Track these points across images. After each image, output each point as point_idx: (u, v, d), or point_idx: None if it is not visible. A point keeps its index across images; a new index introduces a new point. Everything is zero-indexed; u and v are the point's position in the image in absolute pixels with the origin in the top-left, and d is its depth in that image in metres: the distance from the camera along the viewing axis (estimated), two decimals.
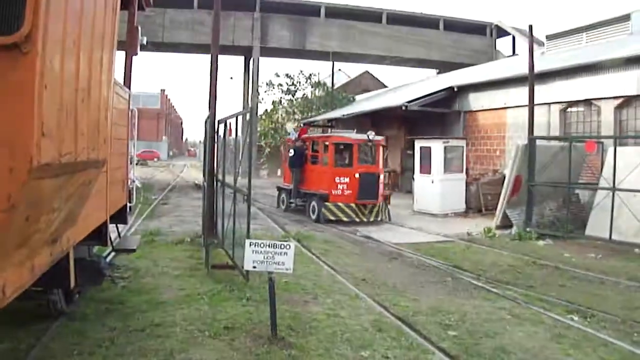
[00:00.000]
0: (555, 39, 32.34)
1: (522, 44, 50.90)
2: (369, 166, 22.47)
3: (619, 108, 21.33)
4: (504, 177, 21.68)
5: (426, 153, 25.42)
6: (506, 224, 19.99)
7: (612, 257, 15.42)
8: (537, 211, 19.77)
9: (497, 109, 27.42)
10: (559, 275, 13.35)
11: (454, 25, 55.74)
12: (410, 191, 28.69)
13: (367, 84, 64.63)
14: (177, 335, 7.80)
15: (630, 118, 20.99)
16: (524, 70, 22.96)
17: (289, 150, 25.35)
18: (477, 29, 56.78)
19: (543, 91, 23.32)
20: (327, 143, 22.85)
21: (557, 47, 31.61)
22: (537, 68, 22.50)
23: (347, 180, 21.74)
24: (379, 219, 22.49)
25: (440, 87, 32.22)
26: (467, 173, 25.95)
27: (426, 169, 25.37)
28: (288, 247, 8.08)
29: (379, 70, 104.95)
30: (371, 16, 53.68)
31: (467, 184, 25.37)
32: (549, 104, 24.07)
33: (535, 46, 23.57)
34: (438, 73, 54.20)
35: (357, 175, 21.77)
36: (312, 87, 55.16)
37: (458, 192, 25.24)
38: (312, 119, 46.82)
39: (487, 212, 23.56)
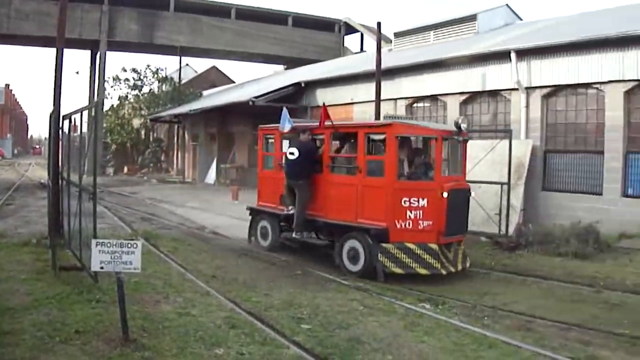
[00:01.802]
0: (403, 37, 32.64)
1: (370, 41, 51.82)
2: (457, 177, 13.72)
3: (464, 103, 21.85)
4: None
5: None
6: None
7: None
8: None
9: (344, 104, 27.22)
10: None
11: (302, 22, 55.37)
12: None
13: (215, 79, 63.92)
14: (27, 343, 7.23)
15: (475, 113, 21.52)
16: (371, 66, 23.02)
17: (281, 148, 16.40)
18: (325, 25, 56.67)
19: (390, 87, 23.56)
20: (382, 136, 13.16)
21: (404, 45, 31.95)
22: (385, 64, 22.72)
23: (424, 203, 12.45)
24: (467, 265, 13.54)
25: (288, 82, 31.97)
26: None
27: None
28: (135, 246, 7.68)
29: (226, 66, 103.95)
30: (220, 11, 52.51)
31: None
32: (395, 99, 24.31)
33: (383, 43, 23.59)
34: (286, 69, 53.58)
35: (444, 195, 12.51)
36: (159, 82, 53.51)
37: None
38: (158, 115, 45.13)
39: None
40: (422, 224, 12.50)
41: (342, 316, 9.13)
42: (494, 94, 20.84)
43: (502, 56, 20.09)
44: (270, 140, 16.56)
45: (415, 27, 31.86)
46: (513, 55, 19.44)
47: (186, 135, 48.95)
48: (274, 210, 15.48)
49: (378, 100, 21.44)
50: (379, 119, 20.24)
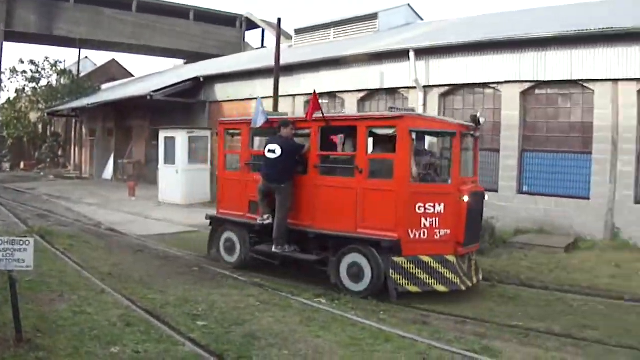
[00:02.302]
0: (303, 34, 32.39)
1: (271, 37, 50.48)
2: (472, 179, 11.89)
3: (362, 101, 21.81)
4: None
5: (171, 143, 24.93)
6: None
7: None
8: None
9: (243, 99, 26.76)
10: None
11: (204, 16, 54.30)
12: (155, 182, 27.59)
13: (115, 72, 62.13)
14: None
15: (373, 110, 21.26)
16: (271, 62, 22.75)
17: (251, 143, 13.50)
18: (227, 20, 55.76)
19: (289, 83, 23.51)
20: (390, 131, 10.99)
21: (305, 42, 31.71)
22: (284, 61, 22.63)
23: (441, 208, 10.49)
24: (480, 277, 11.70)
25: (187, 77, 31.17)
26: (212, 163, 25.20)
27: (171, 159, 24.91)
28: (27, 243, 7.17)
29: (127, 60, 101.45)
30: (121, 3, 50.81)
31: (212, 174, 24.36)
32: (294, 95, 24.11)
33: (283, 40, 23.75)
34: (186, 63, 52.52)
35: (465, 199, 10.69)
36: (57, 75, 51.10)
37: (203, 182, 25.05)
38: (56, 108, 43.47)
39: None
40: (439, 233, 10.51)
41: (238, 312, 9.01)
42: (392, 91, 20.87)
43: (401, 55, 20.03)
44: (234, 137, 14.42)
45: (316, 24, 31.70)
46: (412, 54, 19.42)
47: (84, 130, 47.28)
48: (242, 220, 12.81)
49: (276, 96, 21.41)
50: None
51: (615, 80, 16.05)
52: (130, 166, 35.79)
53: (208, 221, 13.83)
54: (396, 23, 28.64)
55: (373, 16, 28.66)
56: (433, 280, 10.38)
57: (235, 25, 56.22)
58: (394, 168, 10.61)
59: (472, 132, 11.53)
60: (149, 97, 29.01)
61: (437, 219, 10.47)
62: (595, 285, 11.60)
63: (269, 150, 11.76)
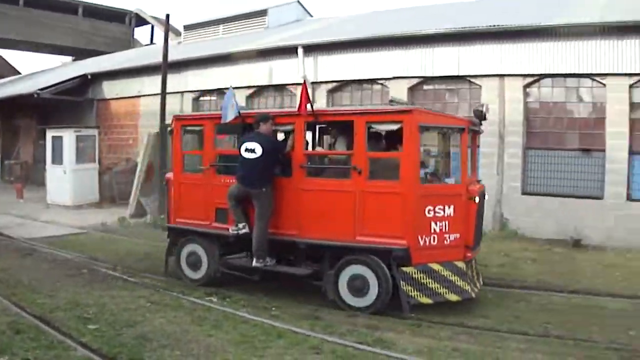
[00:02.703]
0: (193, 30, 31.72)
1: (161, 34, 49.32)
2: (475, 178, 11.14)
3: (250, 97, 21.57)
4: (137, 166, 21.13)
5: (58, 143, 23.59)
6: (141, 212, 19.70)
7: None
8: None
9: (131, 97, 26.16)
10: None
11: (93, 12, 52.40)
12: (44, 184, 25.98)
13: (1, 69, 58.81)
14: None
15: (261, 106, 21.12)
16: (159, 59, 21.87)
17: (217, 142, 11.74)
18: (116, 16, 53.95)
19: (177, 80, 22.93)
20: (396, 126, 9.44)
21: (194, 38, 31.08)
22: (173, 57, 22.02)
23: (450, 211, 9.43)
24: (481, 282, 10.58)
25: (75, 74, 29.96)
26: (100, 162, 24.48)
27: (58, 159, 23.56)
28: None
29: (13, 56, 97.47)
30: None
31: (101, 174, 24.06)
32: (182, 92, 23.64)
33: (172, 36, 23.50)
34: (75, 60, 50.56)
35: (476, 199, 9.80)
36: None
37: (91, 182, 23.88)
38: None
39: (122, 202, 22.30)
40: (449, 238, 9.43)
41: (129, 314, 8.65)
42: (281, 88, 20.71)
43: (289, 51, 19.87)
44: (194, 134, 12.38)
45: (205, 21, 31.10)
46: (300, 50, 19.31)
47: None
48: (208, 230, 10.99)
49: (164, 93, 20.62)
50: (164, 112, 19.56)
51: (502, 76, 16.42)
52: (17, 167, 34.03)
53: (164, 232, 12.28)
54: (286, 19, 28.47)
55: (262, 12, 28.39)
56: (444, 290, 9.36)
57: (124, 22, 54.47)
58: (400, 168, 9.29)
59: (477, 128, 10.54)
60: (35, 95, 27.70)
61: (447, 223, 9.39)
62: (486, 275, 11.49)
63: (247, 150, 9.98)
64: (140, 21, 53.92)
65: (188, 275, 11.20)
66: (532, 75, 16.28)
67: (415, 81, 17.45)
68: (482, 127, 10.78)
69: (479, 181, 10.94)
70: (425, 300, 9.22)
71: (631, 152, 15.31)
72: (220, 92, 22.32)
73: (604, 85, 15.66)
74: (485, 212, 14.72)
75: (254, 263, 10.17)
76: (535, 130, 16.29)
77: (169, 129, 13.16)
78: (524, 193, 16.08)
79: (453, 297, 9.36)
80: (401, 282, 9.13)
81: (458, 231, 9.46)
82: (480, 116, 10.17)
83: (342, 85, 18.88)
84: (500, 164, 16.17)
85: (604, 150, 15.31)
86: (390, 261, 9.16)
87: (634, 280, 11.73)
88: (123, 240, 16.18)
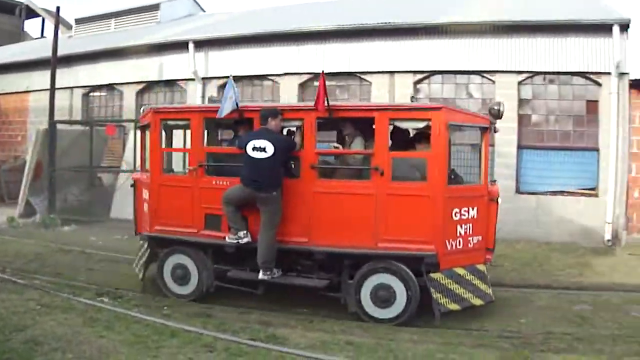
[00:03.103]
0: (84, 23, 30.19)
1: (52, 27, 47.39)
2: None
3: (140, 93, 20.91)
4: (26, 163, 20.01)
5: None
6: (30, 211, 18.63)
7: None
8: (61, 197, 18.72)
9: (19, 92, 25.02)
10: (87, 259, 13.10)
11: None
12: None
13: None
14: None
15: (151, 102, 20.49)
16: (49, 52, 20.81)
17: (238, 140, 9.55)
18: (5, 8, 51.48)
19: (67, 75, 22.04)
20: (422, 124, 8.76)
21: (85, 32, 29.65)
22: (63, 51, 20.95)
23: (474, 213, 8.93)
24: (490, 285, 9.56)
25: None
26: None
27: None
28: None
29: None
30: None
31: None
32: (72, 88, 22.65)
33: (63, 29, 22.82)
34: None
35: (499, 200, 9.55)
36: None
37: None
38: None
39: (11, 201, 21.21)
40: (472, 241, 8.93)
41: (19, 317, 8.11)
42: (171, 83, 20.17)
43: (180, 46, 19.37)
44: (177, 129, 10.92)
45: (96, 14, 29.74)
46: (191, 45, 18.88)
47: None
48: (199, 239, 9.60)
49: (53, 88, 19.68)
50: (53, 108, 18.91)
51: (392, 73, 16.49)
52: None
53: (141, 242, 10.60)
54: (178, 14, 27.78)
55: (155, 7, 27.47)
56: (470, 294, 8.80)
57: (14, 13, 52.26)
58: (427, 169, 8.58)
59: (494, 126, 9.61)
60: None
61: (471, 225, 8.87)
62: None
63: (255, 148, 8.76)
64: (31, 13, 51.73)
65: (173, 291, 9.72)
66: (422, 72, 16.40)
67: (306, 77, 17.33)
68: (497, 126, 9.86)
69: (494, 181, 10.52)
70: (454, 306, 8.62)
71: (519, 147, 15.66)
72: (110, 87, 21.70)
73: (494, 82, 15.99)
74: None
75: (261, 275, 8.95)
76: None
77: (139, 124, 11.36)
78: None
79: (477, 302, 8.86)
80: (431, 289, 8.47)
81: (480, 233, 9.02)
82: (497, 115, 9.30)
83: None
84: None
85: (493, 145, 15.24)
86: (421, 268, 8.50)
87: (523, 270, 12.09)
88: (12, 241, 15.33)
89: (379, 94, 16.29)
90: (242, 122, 9.55)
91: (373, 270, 8.61)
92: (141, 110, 10.76)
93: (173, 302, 9.41)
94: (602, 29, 15.41)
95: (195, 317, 8.51)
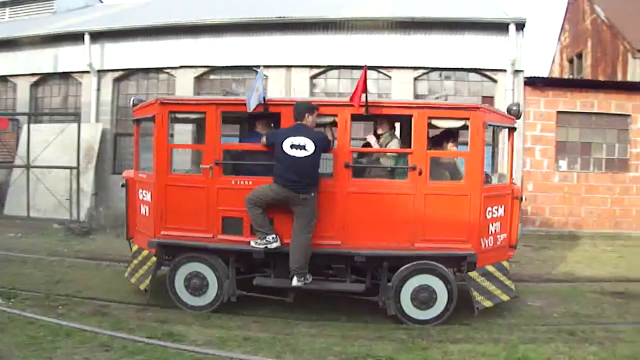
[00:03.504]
0: None
1: None
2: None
3: (35, 85, 19.77)
4: None
5: None
6: None
7: (33, 235, 14.83)
8: None
9: None
10: None
11: None
12: None
13: None
14: None
15: (46, 95, 19.67)
16: None
17: (266, 138, 8.34)
18: None
19: None
20: (459, 124, 8.53)
21: None
22: None
23: (502, 211, 8.87)
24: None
25: None
26: None
27: None
28: None
29: None
30: None
31: None
32: None
33: None
34: None
35: (524, 199, 10.00)
36: None
37: None
38: None
39: None
40: (499, 238, 8.83)
41: None
42: (66, 76, 19.18)
43: (76, 38, 18.47)
44: (190, 124, 10.40)
45: None
46: (87, 37, 18.01)
47: None
48: (217, 245, 8.51)
49: None
50: None
51: (289, 67, 16.25)
52: None
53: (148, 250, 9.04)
54: (75, 5, 26.54)
55: None
56: (499, 291, 8.59)
57: None
58: (465, 168, 8.42)
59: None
60: None
61: (500, 224, 8.74)
62: None
63: (294, 146, 7.94)
64: None
65: (187, 302, 8.58)
66: (319, 67, 16.20)
67: (202, 70, 16.91)
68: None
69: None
70: (488, 303, 8.38)
71: None
72: (3, 79, 20.49)
73: (390, 77, 15.92)
74: None
75: (295, 282, 8.17)
76: None
77: (133, 117, 9.73)
78: None
79: (505, 297, 8.64)
80: (471, 288, 8.23)
81: (505, 231, 8.88)
82: (517, 114, 9.13)
83: (128, 73, 17.90)
84: None
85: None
86: (460, 267, 8.38)
87: None
88: None
89: (276, 88, 16.00)
90: (259, 116, 8.72)
91: (414, 272, 8.21)
92: (131, 101, 9.49)
93: (68, 300, 8.87)
94: (498, 27, 15.60)
95: (91, 315, 8.15)
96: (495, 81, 15.79)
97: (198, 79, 16.90)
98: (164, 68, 17.31)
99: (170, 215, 8.57)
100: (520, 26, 15.51)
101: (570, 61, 24.93)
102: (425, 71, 15.82)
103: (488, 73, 15.81)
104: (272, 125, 8.86)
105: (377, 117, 8.69)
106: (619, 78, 18.66)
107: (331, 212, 8.19)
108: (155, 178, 8.66)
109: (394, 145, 8.69)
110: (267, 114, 8.46)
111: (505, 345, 7.00)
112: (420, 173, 8.04)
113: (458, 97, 15.78)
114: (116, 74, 17.79)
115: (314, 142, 7.86)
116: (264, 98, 8.11)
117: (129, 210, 9.66)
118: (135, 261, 9.21)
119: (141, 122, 9.35)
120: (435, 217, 8.14)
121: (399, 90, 15.49)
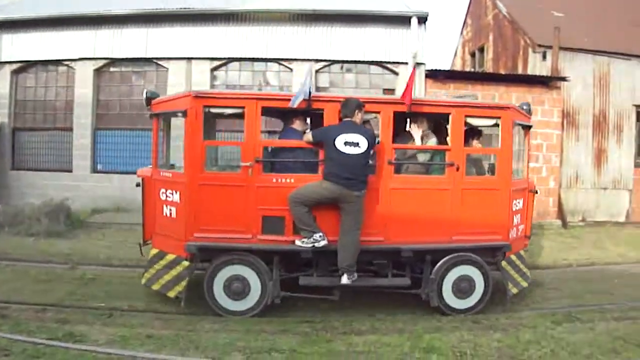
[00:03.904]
0: None
1: None
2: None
3: None
4: None
5: None
6: None
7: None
8: None
9: None
10: None
11: None
12: None
13: None
14: None
15: None
16: None
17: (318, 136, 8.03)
18: None
19: None
20: (491, 122, 8.94)
21: None
22: None
23: (521, 204, 9.41)
24: None
25: None
26: None
27: None
28: None
29: None
30: None
31: None
32: None
33: None
34: None
35: (538, 192, 10.97)
36: None
37: None
38: None
39: None
40: (519, 229, 9.28)
41: None
42: None
43: None
44: (219, 118, 9.84)
45: None
46: None
47: None
48: (261, 245, 8.18)
49: None
50: None
51: (190, 59, 16.00)
52: None
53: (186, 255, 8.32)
54: None
55: None
56: (520, 278, 9.14)
57: None
58: (497, 164, 8.79)
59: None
60: None
61: (520, 215, 9.24)
62: None
63: (348, 143, 7.81)
64: None
65: (227, 307, 8.17)
66: (220, 59, 15.97)
67: (101, 63, 16.41)
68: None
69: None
70: (514, 290, 8.91)
71: None
72: None
73: (291, 70, 15.83)
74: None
75: (344, 280, 8.01)
76: None
77: (151, 111, 8.89)
78: None
79: (524, 284, 9.21)
80: (505, 277, 8.75)
81: (523, 222, 9.40)
82: (528, 113, 9.52)
83: (26, 66, 17.18)
84: None
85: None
86: (493, 258, 8.70)
87: None
88: None
89: (176, 80, 15.75)
90: (294, 113, 8.45)
91: (455, 264, 8.47)
92: (145, 94, 8.82)
93: None
94: (401, 20, 15.67)
95: None
96: (397, 74, 15.82)
97: (98, 71, 16.40)
98: (64, 60, 16.71)
99: (204, 216, 8.13)
100: (422, 19, 15.60)
101: (472, 55, 25.13)
102: (326, 64, 15.75)
103: (390, 66, 15.84)
104: (308, 121, 8.79)
105: (416, 115, 8.64)
106: (520, 72, 18.93)
107: (374, 208, 8.20)
108: (187, 177, 8.18)
109: (433, 142, 8.87)
110: (304, 110, 8.26)
111: (409, 335, 7.00)
112: (457, 169, 8.33)
113: (359, 90, 15.73)
114: (14, 66, 17.07)
115: (366, 139, 7.77)
116: (309, 94, 7.89)
117: (146, 211, 9.02)
118: (156, 266, 8.58)
119: (161, 117, 8.87)
120: (470, 210, 8.46)
121: (299, 83, 15.04)
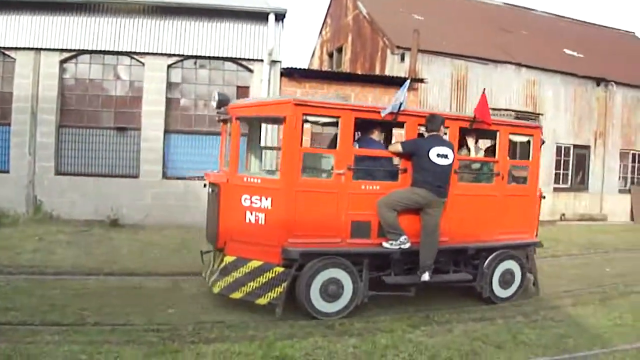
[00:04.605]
0: None
1: None
2: None
3: None
4: None
5: None
6: None
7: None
8: None
9: None
10: None
11: None
12: None
13: None
14: None
15: None
16: None
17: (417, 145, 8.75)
18: None
19: None
20: (526, 139, 10.24)
21: None
22: None
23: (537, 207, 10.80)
24: None
25: None
26: None
27: None
28: None
29: None
30: None
31: None
32: None
33: None
34: None
35: (545, 197, 11.41)
36: None
37: None
38: None
39: None
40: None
41: None
42: None
43: None
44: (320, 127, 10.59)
45: None
46: None
47: None
48: (353, 249, 8.52)
49: None
50: None
51: (38, 50, 15.19)
52: None
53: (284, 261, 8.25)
54: None
55: None
56: (535, 273, 10.42)
57: None
58: (528, 174, 10.15)
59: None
60: None
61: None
62: (17, 262, 10.50)
63: (440, 155, 8.59)
64: None
65: (321, 310, 8.15)
66: (70, 51, 15.24)
67: None
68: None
69: None
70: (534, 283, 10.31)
71: (166, 131, 15.29)
72: None
73: (143, 64, 15.37)
74: (17, 195, 14.98)
75: (425, 277, 8.64)
76: (71, 108, 15.37)
77: (239, 116, 8.74)
78: (57, 173, 15.16)
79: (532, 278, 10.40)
80: (536, 270, 10.20)
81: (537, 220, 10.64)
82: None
83: None
84: (33, 144, 14.99)
85: (140, 129, 15.09)
86: (529, 253, 10.01)
87: (171, 257, 11.68)
88: None
89: (24, 72, 14.93)
90: (374, 124, 8.97)
91: (501, 259, 9.53)
92: (215, 96, 8.62)
93: None
94: (258, 16, 15.51)
95: None
96: (251, 71, 15.63)
97: None
98: None
99: (300, 222, 8.19)
100: (280, 17, 15.47)
101: (330, 55, 25.34)
102: (179, 59, 15.38)
103: (244, 63, 15.62)
104: (384, 133, 9.71)
105: (470, 130, 9.63)
106: (377, 73, 19.16)
107: (446, 213, 8.89)
108: (283, 183, 8.24)
109: (481, 155, 10.24)
110: (382, 122, 8.76)
111: (261, 343, 6.81)
112: (502, 178, 9.57)
113: (212, 86, 15.36)
114: None
115: (453, 151, 8.72)
116: (400, 107, 8.38)
117: (221, 217, 8.57)
118: (234, 274, 8.32)
119: (242, 121, 8.87)
120: (510, 213, 9.67)
121: (152, 78, 14.99)
